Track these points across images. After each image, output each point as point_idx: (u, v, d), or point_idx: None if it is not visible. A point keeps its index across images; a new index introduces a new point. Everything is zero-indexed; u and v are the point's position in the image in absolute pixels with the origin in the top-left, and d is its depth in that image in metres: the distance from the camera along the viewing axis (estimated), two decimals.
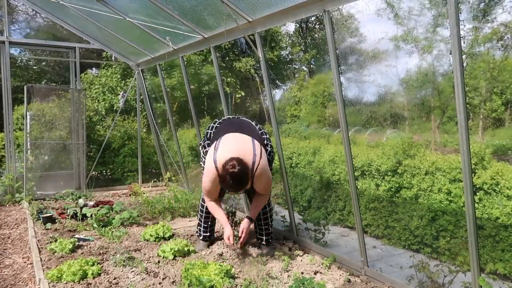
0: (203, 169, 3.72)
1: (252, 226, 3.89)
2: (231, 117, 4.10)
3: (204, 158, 3.75)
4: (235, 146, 3.45)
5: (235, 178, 3.20)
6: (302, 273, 3.53)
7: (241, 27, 4.08)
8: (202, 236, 4.20)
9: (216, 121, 3.95)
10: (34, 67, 15.58)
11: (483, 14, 15.79)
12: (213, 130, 3.85)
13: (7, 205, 6.39)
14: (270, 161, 3.76)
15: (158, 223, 4.82)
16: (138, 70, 7.79)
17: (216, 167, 3.37)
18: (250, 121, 3.98)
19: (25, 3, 7.37)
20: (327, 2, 3.24)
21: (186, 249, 3.96)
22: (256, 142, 3.55)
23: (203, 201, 4.00)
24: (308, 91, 20.77)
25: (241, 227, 3.80)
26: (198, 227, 4.23)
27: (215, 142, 3.55)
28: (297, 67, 26.28)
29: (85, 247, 4.18)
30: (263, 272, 3.43)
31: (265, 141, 3.78)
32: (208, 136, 3.87)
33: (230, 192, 3.77)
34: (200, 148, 3.98)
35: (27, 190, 6.51)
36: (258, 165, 3.38)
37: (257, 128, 3.86)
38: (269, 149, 3.77)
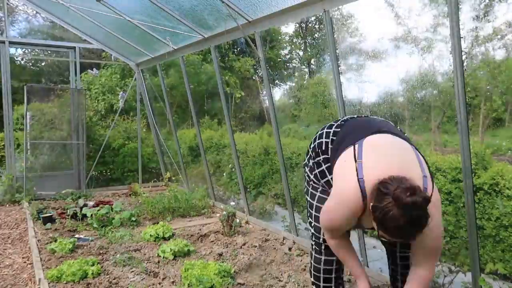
0: (311, 197, 2.40)
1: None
2: (355, 116, 2.43)
3: (315, 182, 2.37)
4: (395, 157, 1.93)
5: (415, 215, 1.66)
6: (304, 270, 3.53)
7: (241, 27, 4.08)
8: None
9: (333, 124, 2.36)
10: (34, 67, 15.58)
11: (484, 14, 15.78)
12: (331, 137, 2.28)
13: (7, 205, 6.38)
14: None
15: (158, 223, 4.82)
16: (138, 70, 7.79)
17: (363, 191, 1.86)
18: (386, 121, 2.36)
19: (25, 3, 7.37)
20: (327, 2, 3.24)
21: (186, 249, 3.96)
22: (420, 156, 2.01)
23: (318, 245, 2.41)
24: (308, 91, 20.75)
25: None
26: None
27: (349, 149, 2.03)
28: (297, 67, 26.28)
29: (85, 247, 4.18)
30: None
31: None
32: (323, 148, 2.29)
33: (388, 238, 1.86)
34: (308, 170, 2.45)
35: (27, 190, 6.51)
36: (431, 195, 1.78)
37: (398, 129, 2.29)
38: None
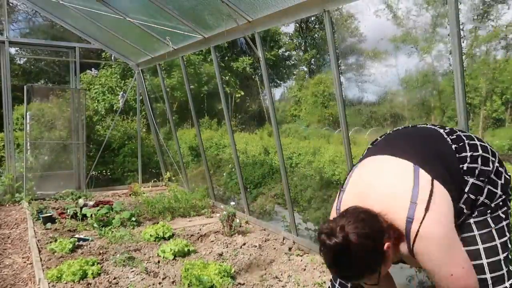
0: None
1: None
2: (400, 128, 2.02)
3: None
4: (369, 182, 1.67)
5: (330, 255, 1.51)
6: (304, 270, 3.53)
7: (241, 27, 4.08)
8: None
9: (382, 136, 2.00)
10: (33, 67, 15.58)
11: (484, 14, 15.79)
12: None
13: (7, 205, 6.38)
14: (501, 209, 1.68)
15: (158, 223, 4.82)
16: (138, 70, 7.79)
17: None
18: (438, 128, 1.86)
19: (25, 3, 7.38)
20: (327, 2, 3.24)
21: (186, 249, 3.96)
22: (423, 175, 1.58)
23: None
24: (308, 91, 20.78)
25: None
26: None
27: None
28: (297, 67, 26.30)
29: (85, 247, 4.18)
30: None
31: (476, 166, 1.68)
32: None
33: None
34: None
35: (27, 190, 6.51)
36: (418, 228, 1.50)
37: (447, 140, 1.77)
38: (486, 186, 1.67)
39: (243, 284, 3.28)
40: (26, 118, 6.80)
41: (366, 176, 1.72)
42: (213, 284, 3.11)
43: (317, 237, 1.53)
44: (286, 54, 25.37)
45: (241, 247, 4.19)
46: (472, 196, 1.65)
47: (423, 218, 1.50)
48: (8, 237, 4.69)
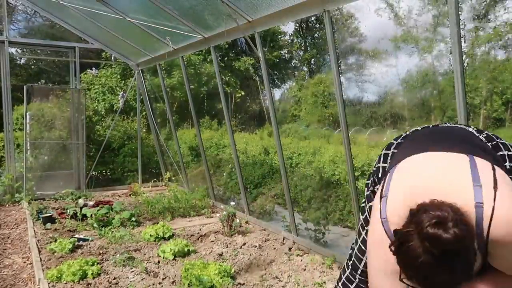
0: (358, 232, 1.85)
1: None
2: (429, 126, 1.86)
3: (368, 217, 1.79)
4: (421, 181, 1.43)
5: (447, 256, 1.15)
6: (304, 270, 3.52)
7: (241, 27, 4.08)
8: None
9: (392, 143, 1.78)
10: (33, 67, 15.58)
11: (484, 14, 15.79)
12: (388, 161, 1.72)
13: (7, 205, 6.38)
14: None
15: (158, 223, 4.82)
16: (138, 70, 7.78)
17: (387, 232, 1.40)
18: (465, 127, 1.78)
19: (25, 3, 7.37)
20: (327, 2, 3.24)
21: (186, 249, 3.96)
22: (480, 161, 1.42)
23: (353, 276, 1.88)
24: (308, 91, 20.78)
25: None
26: None
27: (386, 177, 1.58)
28: (297, 67, 26.31)
29: (85, 247, 4.18)
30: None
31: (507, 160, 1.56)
32: (379, 175, 1.73)
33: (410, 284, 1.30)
34: (366, 194, 1.84)
35: (26, 190, 6.51)
36: (492, 210, 1.23)
37: (480, 138, 1.64)
38: None
39: (243, 284, 3.27)
40: (26, 118, 6.80)
41: (420, 168, 1.49)
42: (213, 284, 3.11)
43: (421, 231, 1.17)
44: (286, 54, 25.36)
45: (241, 247, 4.19)
46: None
47: (495, 197, 1.26)
48: (8, 237, 4.68)
